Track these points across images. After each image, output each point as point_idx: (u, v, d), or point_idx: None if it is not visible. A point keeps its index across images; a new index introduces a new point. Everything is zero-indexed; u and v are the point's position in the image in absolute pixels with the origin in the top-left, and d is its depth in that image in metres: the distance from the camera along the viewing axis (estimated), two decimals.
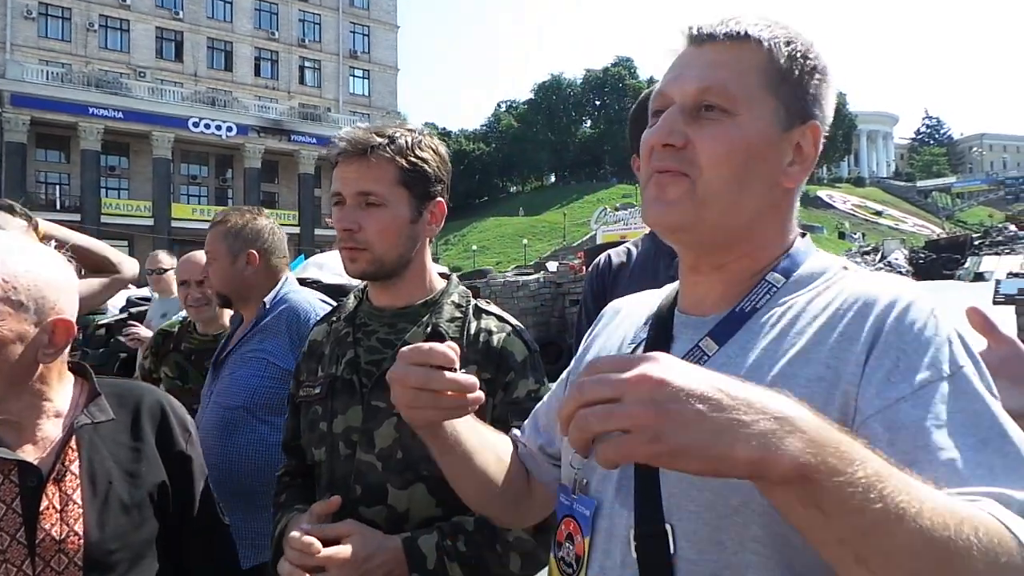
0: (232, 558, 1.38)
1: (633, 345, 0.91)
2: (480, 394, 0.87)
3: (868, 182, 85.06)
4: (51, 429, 1.16)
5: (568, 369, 1.06)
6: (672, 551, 0.74)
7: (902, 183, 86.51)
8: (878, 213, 69.38)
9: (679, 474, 0.71)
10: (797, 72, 0.81)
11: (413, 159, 1.35)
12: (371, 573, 1.18)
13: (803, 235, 0.88)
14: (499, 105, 79.99)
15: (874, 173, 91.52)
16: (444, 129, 78.13)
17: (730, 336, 0.80)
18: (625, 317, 1.00)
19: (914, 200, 79.39)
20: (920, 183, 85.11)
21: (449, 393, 0.84)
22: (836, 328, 0.74)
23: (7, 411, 1.10)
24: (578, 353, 1.05)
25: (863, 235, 54.85)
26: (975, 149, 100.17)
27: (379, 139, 1.34)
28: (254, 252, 2.16)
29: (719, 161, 0.78)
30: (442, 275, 1.50)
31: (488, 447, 0.98)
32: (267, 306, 2.09)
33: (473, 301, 1.44)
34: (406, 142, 1.35)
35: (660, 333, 0.88)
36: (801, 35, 0.83)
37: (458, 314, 1.39)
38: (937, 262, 33.84)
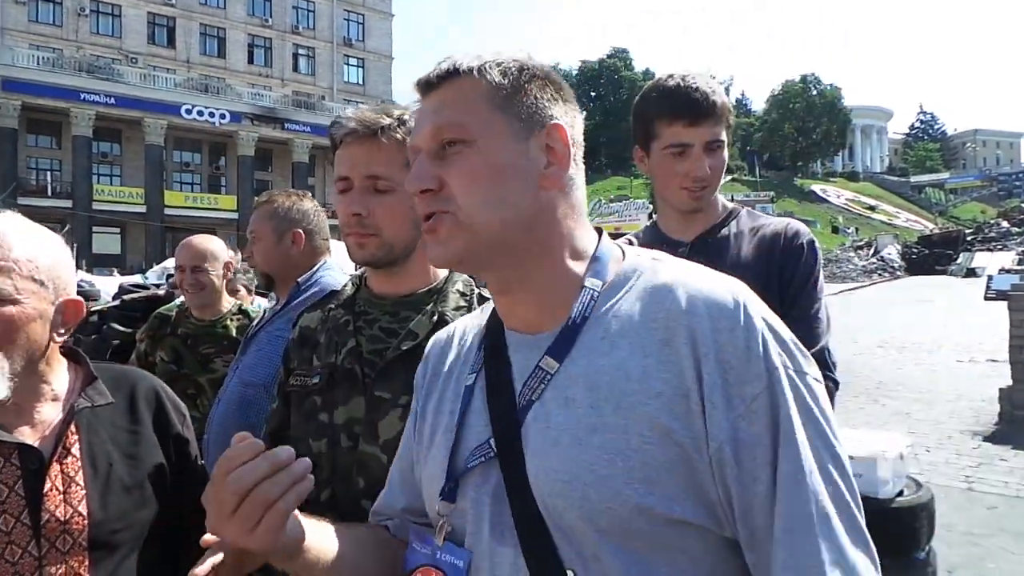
0: None
1: (473, 375, 0.90)
2: (305, 474, 0.77)
3: (862, 177, 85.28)
4: (50, 412, 1.16)
5: (408, 421, 1.03)
6: None
7: (896, 178, 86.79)
8: (872, 208, 69.62)
9: (559, 505, 0.76)
10: (516, 84, 0.84)
11: None
12: None
13: (599, 231, 0.92)
14: None
15: (868, 168, 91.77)
16: None
17: (567, 352, 0.82)
18: (455, 349, 0.99)
19: (908, 195, 79.70)
20: (914, 178, 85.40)
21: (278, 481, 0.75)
22: (659, 337, 0.77)
23: (18, 391, 1.10)
24: (417, 403, 1.02)
25: (856, 230, 55.07)
26: (968, 145, 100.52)
27: (388, 120, 1.30)
28: (299, 232, 2.18)
29: (469, 188, 0.81)
30: None
31: (356, 542, 0.92)
32: (300, 286, 2.08)
33: (477, 290, 1.39)
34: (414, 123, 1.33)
35: (495, 357, 0.89)
36: (515, 54, 0.87)
37: (463, 302, 1.36)
38: (930, 257, 33.97)
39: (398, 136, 1.29)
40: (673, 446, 0.74)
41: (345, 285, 1.46)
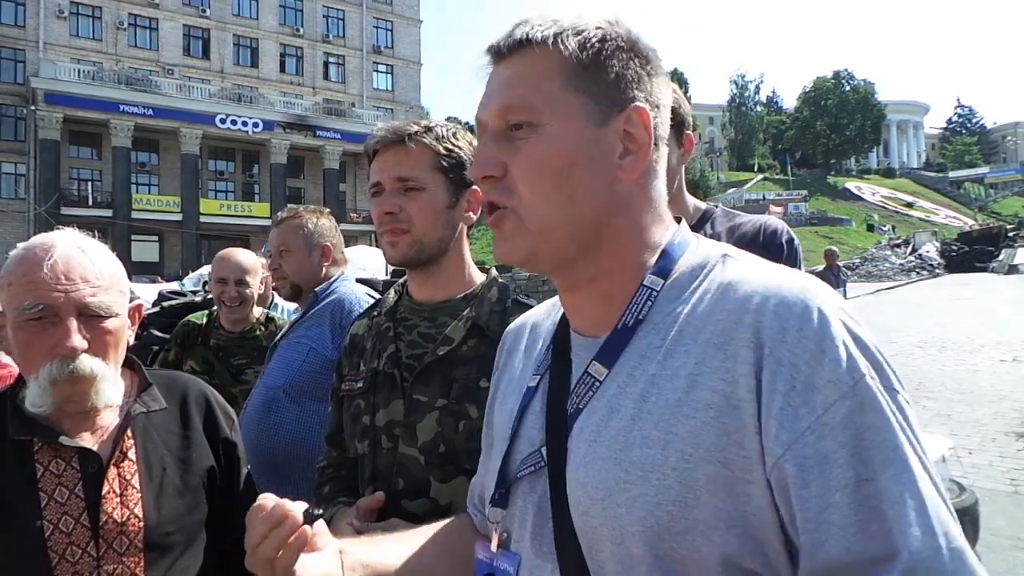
0: None
1: (537, 376, 0.86)
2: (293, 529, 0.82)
3: (898, 173, 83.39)
4: (108, 417, 1.21)
5: (487, 407, 1.01)
6: None
7: (933, 174, 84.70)
8: (909, 205, 68.05)
9: (592, 523, 0.72)
10: (596, 59, 0.74)
11: (449, 146, 1.39)
12: None
13: (678, 220, 0.83)
14: None
15: (904, 164, 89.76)
16: (468, 123, 77.95)
17: (617, 357, 0.75)
18: (524, 343, 0.96)
19: (946, 191, 77.73)
20: (952, 174, 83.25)
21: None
22: (716, 340, 0.68)
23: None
24: (491, 393, 1.01)
25: (893, 227, 53.86)
26: (1009, 138, 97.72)
27: (416, 127, 1.38)
28: (328, 246, 2.31)
29: (533, 181, 0.74)
30: (481, 268, 1.51)
31: (435, 550, 0.96)
32: (317, 296, 2.21)
33: (513, 295, 1.44)
34: (442, 131, 1.40)
35: (559, 359, 0.83)
36: (598, 19, 0.76)
37: (497, 307, 1.40)
38: (970, 254, 33.08)
39: (425, 141, 1.37)
40: (718, 466, 0.65)
41: (388, 294, 1.53)
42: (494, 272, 1.50)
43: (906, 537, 0.59)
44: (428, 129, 1.39)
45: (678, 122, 1.60)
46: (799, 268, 1.65)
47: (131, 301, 1.24)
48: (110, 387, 1.14)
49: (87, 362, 1.10)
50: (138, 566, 1.15)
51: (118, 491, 1.16)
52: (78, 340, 1.09)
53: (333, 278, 2.27)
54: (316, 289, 2.22)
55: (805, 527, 0.62)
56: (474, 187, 1.44)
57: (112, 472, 1.17)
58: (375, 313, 1.51)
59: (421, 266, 1.40)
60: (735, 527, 0.64)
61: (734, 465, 0.65)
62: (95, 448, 1.17)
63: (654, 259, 0.78)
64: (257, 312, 2.93)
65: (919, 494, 0.60)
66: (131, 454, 1.20)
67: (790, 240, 1.67)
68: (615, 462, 0.70)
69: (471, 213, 1.44)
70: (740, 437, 0.65)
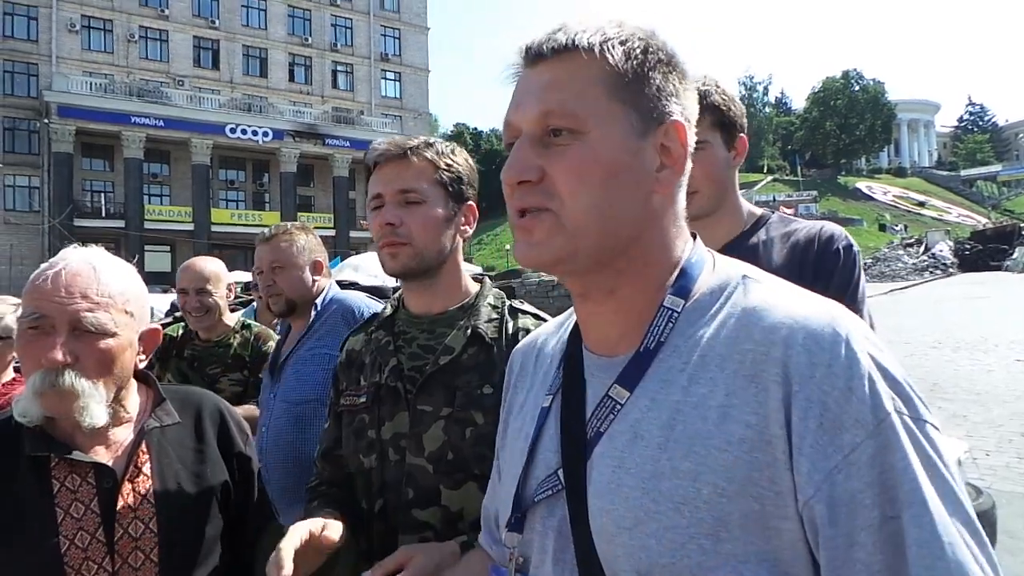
0: None
1: (550, 396, 0.84)
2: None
3: (909, 172, 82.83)
4: (123, 433, 1.23)
5: (498, 431, 1.00)
6: None
7: (945, 172, 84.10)
8: (921, 204, 67.56)
9: (617, 551, 0.70)
10: (639, 71, 0.74)
11: (449, 161, 1.43)
12: None
13: (693, 236, 0.82)
14: None
15: (916, 163, 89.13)
16: (475, 129, 78.36)
17: (639, 380, 0.74)
18: (536, 360, 0.94)
19: (958, 190, 77.14)
20: (964, 172, 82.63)
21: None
22: (746, 372, 0.67)
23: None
24: (503, 414, 0.99)
25: (905, 227, 53.49)
26: (1021, 135, 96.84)
27: (416, 142, 1.42)
28: (320, 261, 2.36)
29: (577, 187, 0.73)
30: (475, 278, 1.53)
31: None
32: (318, 308, 2.26)
33: (508, 302, 1.46)
34: (442, 147, 1.44)
35: (572, 379, 0.82)
36: (638, 29, 0.76)
37: (495, 315, 1.42)
38: (984, 253, 32.78)
39: (427, 155, 1.40)
40: (751, 501, 0.64)
41: (385, 308, 1.54)
42: (488, 281, 1.52)
43: None
44: (428, 144, 1.42)
45: (729, 123, 1.57)
46: (857, 275, 1.56)
47: (147, 327, 1.24)
48: (96, 406, 1.12)
49: (69, 378, 1.10)
50: None
51: (133, 506, 1.17)
52: (60, 354, 1.09)
53: (325, 290, 2.34)
54: (316, 301, 2.28)
55: (832, 564, 0.62)
56: (470, 202, 1.47)
57: (127, 487, 1.18)
58: (372, 328, 1.52)
59: (419, 278, 1.42)
60: (766, 561, 0.64)
61: (766, 500, 0.64)
62: (110, 463, 1.18)
63: (673, 276, 0.77)
64: (232, 320, 2.93)
65: (936, 535, 0.60)
66: (146, 469, 1.21)
67: (848, 247, 1.57)
68: (643, 491, 0.69)
69: (467, 227, 1.48)
70: (772, 473, 0.64)
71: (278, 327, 4.22)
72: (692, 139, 0.78)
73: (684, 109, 0.77)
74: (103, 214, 36.86)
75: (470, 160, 1.50)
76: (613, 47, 0.73)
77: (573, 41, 0.74)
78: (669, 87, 0.76)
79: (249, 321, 3.02)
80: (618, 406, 0.74)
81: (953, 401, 8.33)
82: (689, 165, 0.79)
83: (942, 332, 13.82)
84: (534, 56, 0.76)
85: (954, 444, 3.43)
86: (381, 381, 1.40)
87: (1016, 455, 6.17)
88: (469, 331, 1.37)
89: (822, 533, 0.63)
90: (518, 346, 1.04)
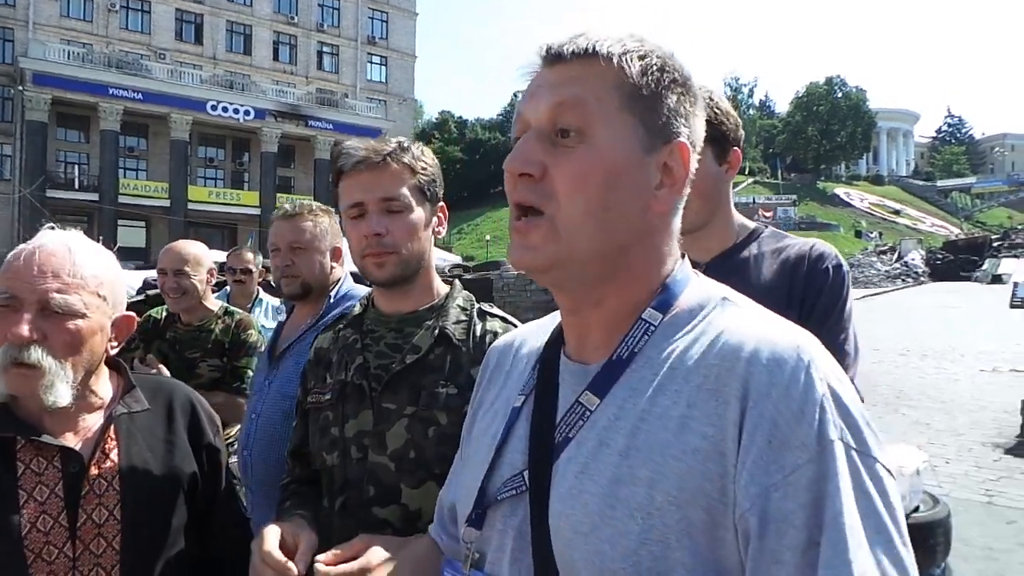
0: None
1: (522, 396, 0.85)
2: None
3: (887, 180, 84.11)
4: (92, 418, 1.22)
5: (465, 424, 1.01)
6: None
7: (922, 182, 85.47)
8: (896, 212, 68.67)
9: (573, 555, 0.71)
10: (654, 87, 0.75)
11: (424, 164, 1.43)
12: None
13: (682, 256, 0.83)
14: (515, 95, 78.53)
15: (893, 171, 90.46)
16: (460, 118, 78.02)
17: (609, 388, 0.75)
18: (513, 360, 0.95)
19: (933, 200, 78.49)
20: (940, 182, 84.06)
21: None
22: (709, 386, 0.69)
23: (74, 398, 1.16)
24: (471, 407, 1.00)
25: (880, 234, 54.31)
26: (997, 149, 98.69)
27: (392, 146, 1.40)
28: (339, 248, 2.24)
29: (575, 191, 0.73)
30: (445, 280, 1.53)
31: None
32: (332, 300, 2.16)
33: (477, 304, 1.47)
34: (415, 150, 1.44)
35: (546, 383, 0.83)
36: (658, 48, 0.78)
37: (463, 317, 1.43)
38: (955, 263, 33.45)
39: (404, 160, 1.40)
40: (699, 511, 0.66)
41: (354, 307, 1.54)
42: (458, 283, 1.53)
43: None
44: (403, 148, 1.41)
45: (720, 137, 1.55)
46: (845, 295, 1.57)
47: (122, 313, 1.23)
48: (61, 385, 1.12)
49: (35, 354, 1.09)
50: (114, 568, 1.15)
51: (98, 492, 1.16)
52: (26, 329, 1.08)
53: (339, 280, 2.24)
54: (331, 292, 2.17)
55: (753, 574, 0.64)
56: (441, 203, 1.48)
57: (93, 472, 1.17)
58: (340, 326, 1.52)
59: (403, 283, 1.42)
60: (712, 570, 0.66)
61: (714, 511, 0.66)
62: (77, 448, 1.17)
63: (656, 292, 0.79)
64: (215, 305, 2.93)
65: (847, 564, 0.61)
66: (113, 455, 1.20)
67: (838, 266, 1.58)
68: (602, 497, 0.70)
69: (441, 227, 1.49)
70: (722, 484, 0.66)
71: (255, 310, 4.18)
72: (695, 164, 0.79)
73: (692, 133, 0.79)
74: (76, 186, 36.15)
75: (435, 158, 1.50)
76: (632, 60, 0.75)
77: (594, 47, 0.75)
78: (680, 108, 0.77)
79: (232, 308, 3.00)
80: (588, 412, 0.76)
81: (917, 408, 8.51)
82: (688, 189, 0.80)
83: (911, 340, 14.09)
84: (554, 57, 0.77)
85: (913, 454, 3.51)
86: (347, 379, 1.40)
87: (975, 464, 6.33)
88: (436, 331, 1.38)
89: (751, 545, 0.64)
90: (495, 343, 1.05)
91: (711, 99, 1.55)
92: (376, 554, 1.00)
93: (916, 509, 3.15)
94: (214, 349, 2.79)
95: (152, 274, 8.93)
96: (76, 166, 37.53)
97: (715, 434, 0.67)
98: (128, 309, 1.27)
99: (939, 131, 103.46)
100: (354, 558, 1.03)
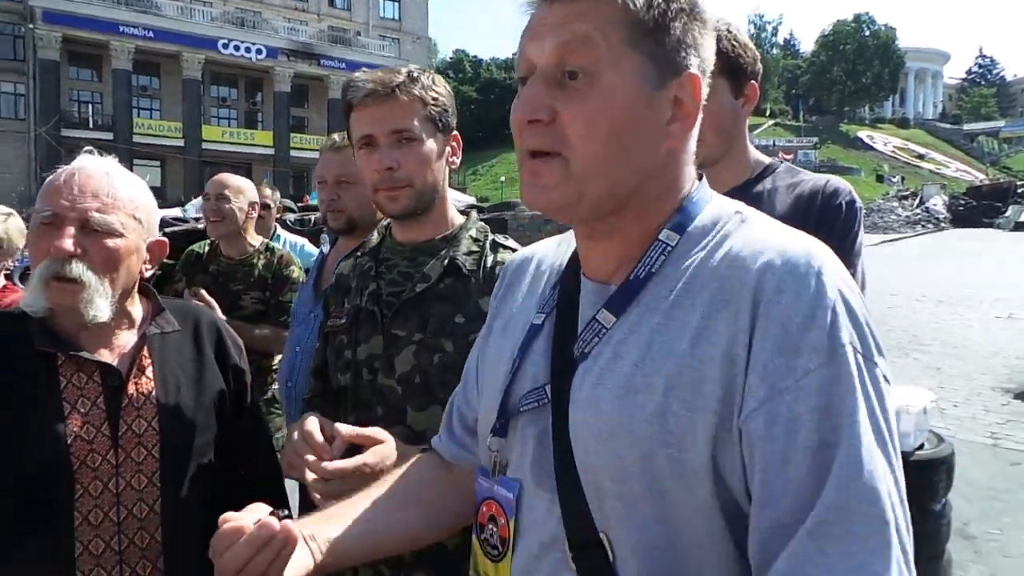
0: (276, 463, 1.50)
1: (542, 315, 0.87)
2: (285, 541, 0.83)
3: (913, 124, 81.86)
4: (126, 337, 1.28)
5: (481, 333, 1.03)
6: (605, 540, 0.74)
7: (948, 125, 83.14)
8: (920, 156, 67.08)
9: (593, 460, 0.74)
10: (660, 19, 0.73)
11: (434, 94, 1.41)
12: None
13: (700, 177, 0.84)
14: None
15: (920, 114, 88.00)
16: (475, 57, 76.33)
17: (626, 307, 0.77)
18: (530, 276, 0.97)
19: (959, 144, 76.47)
20: (967, 126, 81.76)
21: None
22: (723, 296, 0.71)
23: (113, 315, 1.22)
24: (488, 319, 1.02)
25: (902, 179, 53.25)
26: None
27: (401, 77, 1.39)
28: None
29: (588, 135, 0.73)
30: (461, 212, 1.55)
31: (397, 498, 0.97)
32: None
33: (491, 236, 1.49)
34: (425, 79, 1.41)
35: (567, 303, 0.85)
36: None
37: (475, 248, 1.45)
38: (977, 209, 32.81)
39: (413, 91, 1.39)
40: (713, 416, 0.69)
41: (372, 234, 1.58)
42: (474, 214, 1.54)
43: (831, 493, 0.63)
44: (413, 79, 1.39)
45: (738, 69, 1.54)
46: (856, 230, 1.59)
47: (155, 238, 1.28)
48: (102, 301, 1.17)
49: (77, 268, 1.14)
50: (155, 475, 1.23)
51: (137, 405, 1.23)
52: (69, 243, 1.13)
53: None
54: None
55: (763, 477, 0.66)
56: (454, 131, 1.47)
57: (131, 387, 1.24)
58: (359, 253, 1.57)
59: (419, 215, 1.44)
60: (711, 473, 0.69)
61: (724, 415, 0.68)
62: (115, 364, 1.23)
63: (673, 213, 0.80)
64: (256, 241, 3.00)
65: (860, 461, 0.63)
66: (148, 372, 1.27)
67: (851, 202, 1.59)
68: (619, 406, 0.73)
69: (455, 157, 1.49)
70: (731, 390, 0.68)
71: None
72: (706, 92, 0.78)
73: (702, 61, 0.77)
74: (91, 125, 36.07)
75: (448, 87, 1.48)
76: None
77: None
78: (688, 38, 0.75)
79: (273, 245, 3.06)
80: (604, 330, 0.78)
81: (930, 353, 8.54)
82: (700, 118, 0.79)
83: (928, 285, 14.01)
84: None
85: (921, 394, 3.55)
86: (361, 305, 1.45)
87: (983, 408, 6.39)
88: (447, 261, 1.41)
89: (758, 448, 0.66)
90: (512, 258, 1.06)
91: (728, 31, 1.54)
92: (375, 454, 1.12)
93: (921, 447, 3.21)
94: (257, 283, 2.86)
95: (169, 212, 9.01)
96: (90, 105, 37.39)
97: (727, 343, 0.69)
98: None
99: (969, 72, 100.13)
100: (367, 442, 1.15)
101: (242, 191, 2.93)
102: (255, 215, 3.04)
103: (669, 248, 0.78)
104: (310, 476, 1.09)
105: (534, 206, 0.79)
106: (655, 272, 0.77)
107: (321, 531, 0.89)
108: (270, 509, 0.83)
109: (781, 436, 0.65)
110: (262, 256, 2.93)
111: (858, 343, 0.67)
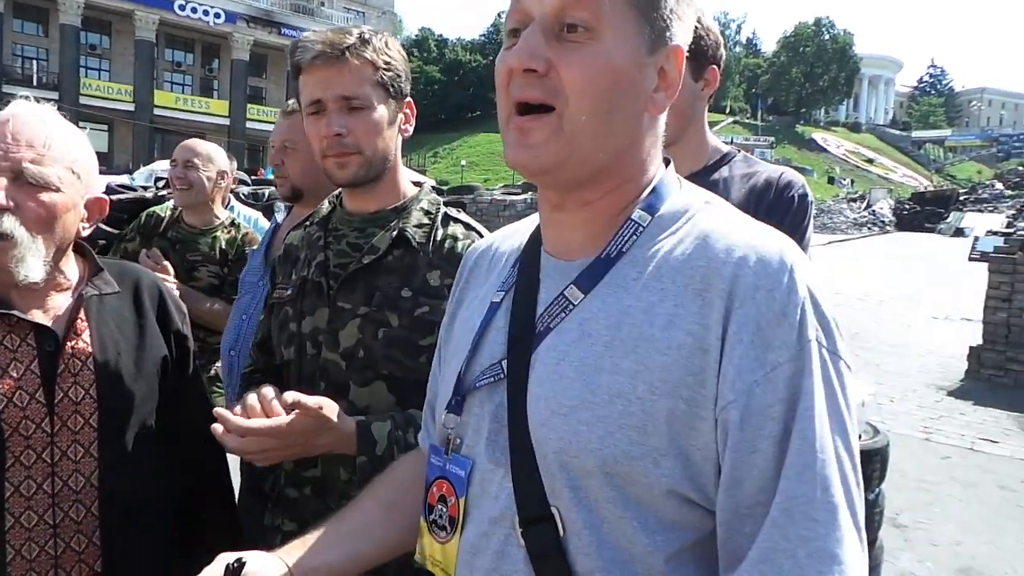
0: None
1: (502, 292, 0.87)
2: None
3: (864, 128, 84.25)
4: (61, 299, 1.21)
5: (443, 321, 1.01)
6: (555, 512, 0.75)
7: (898, 132, 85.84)
8: (870, 160, 69.14)
9: (550, 435, 0.75)
10: None
11: (387, 58, 1.35)
12: (312, 442, 1.21)
13: (667, 162, 0.84)
14: (499, 15, 76.96)
15: (871, 119, 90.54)
16: (440, 36, 75.35)
17: (595, 283, 0.77)
18: (491, 261, 0.96)
19: (907, 150, 79.05)
20: (915, 133, 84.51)
21: None
22: (695, 286, 0.72)
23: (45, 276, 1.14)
24: (450, 307, 1.01)
25: (852, 181, 54.85)
26: (974, 103, 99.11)
27: (352, 39, 1.32)
28: None
29: (585, 90, 0.72)
30: (414, 182, 1.50)
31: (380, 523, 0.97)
32: None
33: (443, 209, 1.45)
34: (378, 42, 1.35)
35: (527, 279, 0.85)
36: None
37: (426, 220, 1.41)
38: (920, 214, 34.00)
39: (365, 54, 1.32)
40: (679, 401, 0.70)
41: (322, 204, 1.52)
42: (427, 186, 1.50)
43: (788, 483, 0.67)
44: (364, 41, 1.33)
45: (698, 51, 1.53)
46: (806, 224, 1.64)
47: (95, 195, 1.21)
48: (34, 260, 1.09)
49: (8, 223, 1.06)
50: (92, 445, 1.17)
51: (73, 371, 1.17)
52: (1, 195, 1.05)
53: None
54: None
55: (733, 464, 0.69)
56: (408, 99, 1.42)
57: (67, 351, 1.17)
58: (307, 223, 1.51)
59: (368, 184, 1.40)
60: (681, 457, 0.70)
61: (693, 402, 0.70)
62: (50, 326, 1.17)
63: (644, 194, 0.80)
64: (223, 214, 2.89)
65: (813, 449, 0.67)
66: (85, 336, 1.20)
67: (803, 195, 1.63)
68: (583, 383, 0.73)
69: (408, 125, 1.44)
70: (703, 378, 0.70)
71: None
72: (683, 67, 0.79)
73: (686, 35, 0.79)
74: (34, 83, 34.42)
75: (402, 51, 1.42)
76: None
77: None
78: (680, 10, 0.76)
79: (240, 222, 2.94)
80: (571, 305, 0.78)
81: (870, 350, 8.84)
82: (678, 91, 0.80)
83: (871, 286, 14.46)
84: None
85: (860, 386, 3.68)
86: (307, 275, 1.41)
87: (917, 403, 6.66)
88: (395, 233, 1.37)
89: (731, 436, 0.69)
90: (475, 245, 1.05)
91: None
92: (298, 423, 1.14)
93: (859, 438, 3.32)
94: (216, 257, 2.75)
95: (116, 179, 8.67)
96: (35, 62, 35.73)
97: (699, 331, 0.70)
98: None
99: (920, 81, 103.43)
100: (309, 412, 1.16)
101: (212, 159, 2.79)
102: (224, 184, 2.90)
103: (641, 228, 0.78)
104: (218, 429, 1.10)
105: (519, 165, 0.76)
106: (625, 252, 0.77)
107: (302, 559, 0.89)
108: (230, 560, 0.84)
109: (750, 427, 0.68)
110: (226, 231, 2.82)
111: (823, 338, 0.70)
